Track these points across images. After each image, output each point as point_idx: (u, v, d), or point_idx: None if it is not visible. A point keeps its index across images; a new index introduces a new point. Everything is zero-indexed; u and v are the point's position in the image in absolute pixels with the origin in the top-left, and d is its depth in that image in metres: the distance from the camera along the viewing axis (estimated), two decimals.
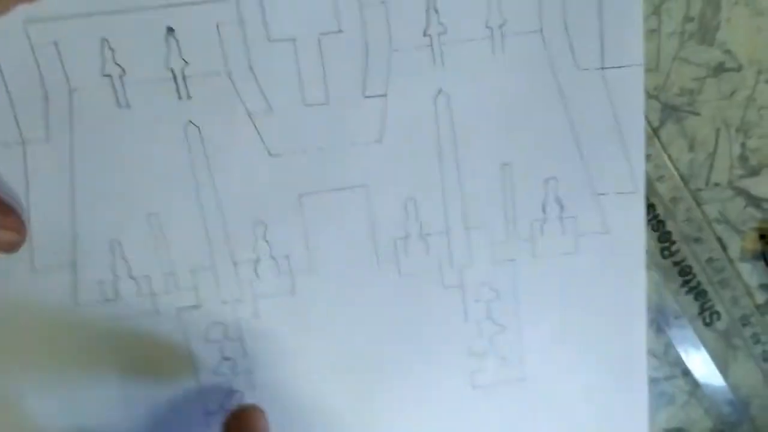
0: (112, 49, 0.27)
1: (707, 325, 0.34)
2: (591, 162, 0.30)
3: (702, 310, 0.34)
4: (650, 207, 0.32)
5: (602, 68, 0.29)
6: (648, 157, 0.31)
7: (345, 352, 0.32)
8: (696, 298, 0.34)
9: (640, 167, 0.30)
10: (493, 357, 0.33)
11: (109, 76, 0.27)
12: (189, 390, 0.31)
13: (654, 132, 0.31)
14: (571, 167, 0.30)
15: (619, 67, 0.29)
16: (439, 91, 0.29)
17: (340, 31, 0.28)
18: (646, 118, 0.31)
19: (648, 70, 0.31)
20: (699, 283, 0.33)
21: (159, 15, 0.27)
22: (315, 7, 0.27)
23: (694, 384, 0.35)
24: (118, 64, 0.27)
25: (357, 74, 0.29)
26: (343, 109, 0.29)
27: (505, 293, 0.32)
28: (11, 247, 0.28)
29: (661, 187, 0.32)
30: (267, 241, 0.30)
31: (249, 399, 0.31)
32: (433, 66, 0.29)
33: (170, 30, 0.27)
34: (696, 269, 0.33)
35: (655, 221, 0.33)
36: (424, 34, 0.28)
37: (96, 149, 0.28)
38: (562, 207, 0.31)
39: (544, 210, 0.31)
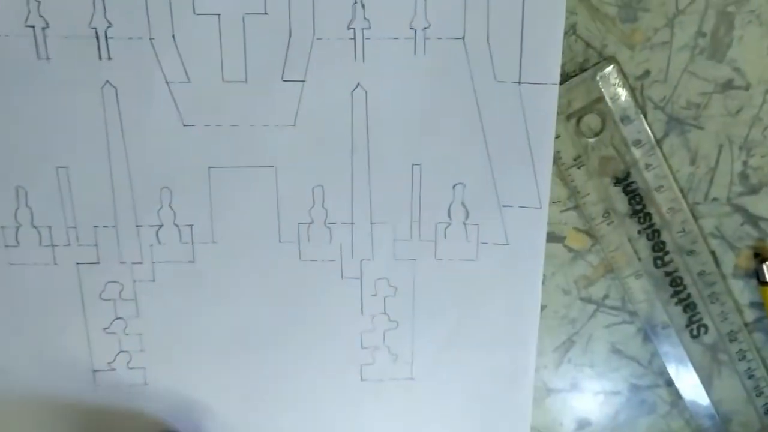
0: (37, 1, 0.28)
1: (694, 337, 0.34)
2: (499, 173, 0.31)
3: (690, 323, 0.34)
4: (647, 216, 0.33)
5: (519, 83, 0.30)
6: (648, 166, 0.32)
7: (238, 328, 0.32)
8: (685, 310, 0.34)
9: (545, 184, 0.31)
10: (385, 353, 0.33)
11: (32, 26, 0.28)
12: (78, 345, 0.31)
13: (657, 143, 0.32)
14: (479, 176, 0.31)
15: (536, 84, 0.30)
16: (357, 85, 0.30)
17: (265, 12, 0.29)
18: (650, 127, 0.31)
19: (656, 82, 0.31)
20: (689, 296, 0.34)
21: None
22: None
23: (677, 395, 0.35)
24: (42, 16, 0.28)
25: (278, 57, 0.29)
26: (260, 89, 0.29)
27: (402, 291, 0.32)
28: None
29: (659, 197, 0.32)
30: (172, 208, 0.30)
31: (136, 361, 0.32)
32: (354, 59, 0.29)
33: None
34: (687, 281, 0.33)
35: (651, 230, 0.33)
36: (348, 27, 0.29)
37: (11, 96, 0.28)
38: (467, 213, 0.31)
39: (449, 214, 0.31)
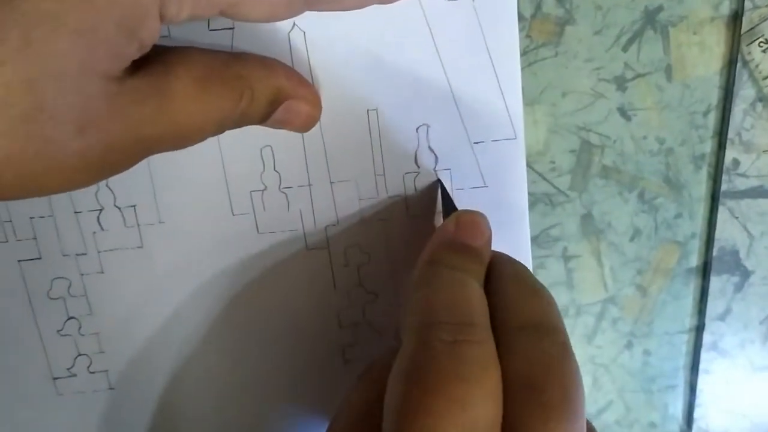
0: None
1: None
2: (464, 105, 0.27)
3: None
4: None
5: None
6: None
7: (200, 316, 0.29)
8: None
9: (517, 110, 0.27)
10: (367, 329, 0.29)
11: None
12: (33, 352, 0.29)
13: None
14: (443, 112, 0.27)
15: None
16: (293, 26, 0.26)
17: None
18: None
19: None
20: None
21: None
22: None
23: None
24: None
25: None
26: (187, 43, 0.27)
27: (377, 257, 0.28)
28: (312, 122, 0.26)
29: None
30: (110, 189, 0.28)
31: (97, 364, 0.29)
32: None
33: None
34: None
35: None
36: None
37: None
38: (436, 158, 0.27)
39: (416, 162, 0.28)
